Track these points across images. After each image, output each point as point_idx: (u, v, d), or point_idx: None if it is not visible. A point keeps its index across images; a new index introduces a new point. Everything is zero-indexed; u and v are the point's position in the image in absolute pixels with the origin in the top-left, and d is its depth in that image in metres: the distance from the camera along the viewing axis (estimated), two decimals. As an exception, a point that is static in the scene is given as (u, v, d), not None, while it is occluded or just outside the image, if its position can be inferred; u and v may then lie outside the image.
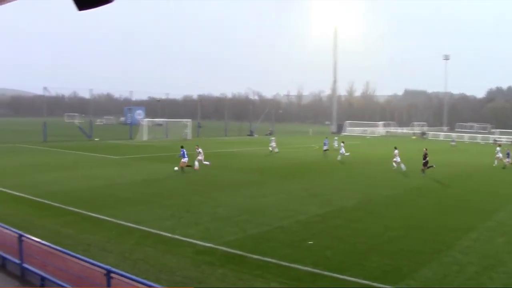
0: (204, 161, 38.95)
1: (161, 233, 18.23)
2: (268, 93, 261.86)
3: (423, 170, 38.11)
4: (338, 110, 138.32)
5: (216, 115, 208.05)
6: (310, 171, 39.42)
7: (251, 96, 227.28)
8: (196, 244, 16.81)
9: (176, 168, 37.03)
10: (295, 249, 16.54)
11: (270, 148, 56.03)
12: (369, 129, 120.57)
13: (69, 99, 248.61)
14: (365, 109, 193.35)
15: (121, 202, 24.31)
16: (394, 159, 41.06)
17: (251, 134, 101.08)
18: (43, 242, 12.43)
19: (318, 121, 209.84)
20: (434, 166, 38.74)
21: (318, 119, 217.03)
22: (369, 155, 54.35)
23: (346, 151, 49.26)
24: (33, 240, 12.62)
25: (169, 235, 17.94)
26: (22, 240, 12.62)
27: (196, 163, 38.24)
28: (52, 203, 23.59)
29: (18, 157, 45.99)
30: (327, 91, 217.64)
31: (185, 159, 37.01)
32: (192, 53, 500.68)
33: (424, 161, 38.52)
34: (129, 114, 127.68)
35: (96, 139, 73.89)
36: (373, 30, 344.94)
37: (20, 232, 12.85)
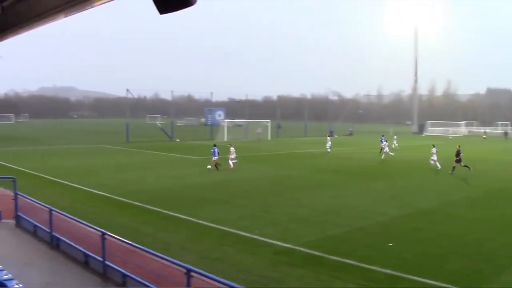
0: (233, 160, 39.23)
1: (240, 232, 18.33)
2: (348, 93, 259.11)
3: (454, 168, 37.29)
4: (419, 110, 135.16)
5: (295, 116, 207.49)
6: (389, 171, 38.65)
7: (331, 97, 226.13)
8: (274, 244, 16.79)
9: (209, 167, 37.79)
10: (375, 251, 16.24)
11: (329, 149, 55.99)
12: (451, 129, 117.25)
13: (151, 101, 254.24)
14: (446, 108, 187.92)
15: (200, 202, 24.63)
16: (432, 158, 40.48)
17: (330, 135, 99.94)
18: (124, 240, 12.69)
19: (399, 121, 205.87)
20: (470, 168, 37.18)
21: (399, 119, 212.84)
22: (450, 155, 52.85)
23: (392, 151, 48.29)
24: (114, 238, 12.90)
25: (248, 235, 18.01)
26: (105, 238, 12.92)
27: (230, 162, 38.84)
28: (133, 202, 24.20)
29: (102, 157, 47.44)
30: (408, 91, 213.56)
31: (215, 157, 37.68)
32: (271, 55, 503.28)
33: (456, 158, 37.59)
34: (210, 115, 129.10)
35: (177, 140, 75.05)
36: (454, 28, 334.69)
37: (102, 230, 13.16)
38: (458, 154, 37.73)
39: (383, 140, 54.00)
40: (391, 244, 16.90)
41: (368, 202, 25.16)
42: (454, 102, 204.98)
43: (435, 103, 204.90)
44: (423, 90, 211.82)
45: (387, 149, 49.19)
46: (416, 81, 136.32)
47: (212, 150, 38.14)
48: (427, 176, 36.58)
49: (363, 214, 22.03)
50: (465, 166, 37.22)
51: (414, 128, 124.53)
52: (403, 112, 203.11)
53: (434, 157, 39.98)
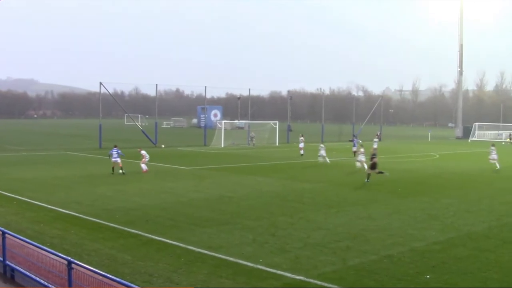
0: (145, 163, 43.54)
1: (241, 261, 18.32)
2: (376, 88, 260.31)
3: (368, 175, 39.15)
4: (465, 109, 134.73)
5: (310, 116, 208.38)
6: (430, 186, 38.55)
7: (355, 92, 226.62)
8: (283, 276, 16.79)
9: (120, 171, 41.92)
10: (408, 284, 16.22)
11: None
12: (505, 132, 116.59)
13: (130, 97, 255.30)
14: (499, 107, 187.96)
15: (192, 223, 24.61)
16: (359, 158, 44.33)
17: (353, 140, 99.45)
18: (96, 270, 12.68)
19: (439, 123, 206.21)
20: (387, 174, 39.23)
21: (439, 120, 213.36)
22: (504, 167, 52.74)
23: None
24: (84, 267, 12.89)
25: (251, 264, 18.00)
26: (72, 268, 12.91)
27: (143, 165, 43.17)
28: (108, 223, 24.22)
29: (69, 167, 47.58)
30: (451, 85, 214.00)
31: (114, 159, 41.60)
32: (281, 42, 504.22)
33: (370, 162, 39.38)
34: (203, 115, 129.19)
35: (162, 146, 75.01)
36: (510, 8, 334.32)
37: (69, 258, 13.16)
38: (372, 158, 39.38)
39: (355, 143, 55.22)
40: (428, 277, 16.89)
41: (401, 224, 25.12)
42: (509, 99, 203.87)
43: (485, 101, 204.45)
44: (469, 84, 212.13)
45: (322, 152, 51.84)
46: (461, 73, 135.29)
47: (110, 152, 42.24)
48: (477, 191, 36.53)
49: (394, 239, 21.99)
50: (379, 172, 39.05)
51: (458, 132, 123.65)
52: (444, 112, 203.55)
53: (361, 158, 44.12)
